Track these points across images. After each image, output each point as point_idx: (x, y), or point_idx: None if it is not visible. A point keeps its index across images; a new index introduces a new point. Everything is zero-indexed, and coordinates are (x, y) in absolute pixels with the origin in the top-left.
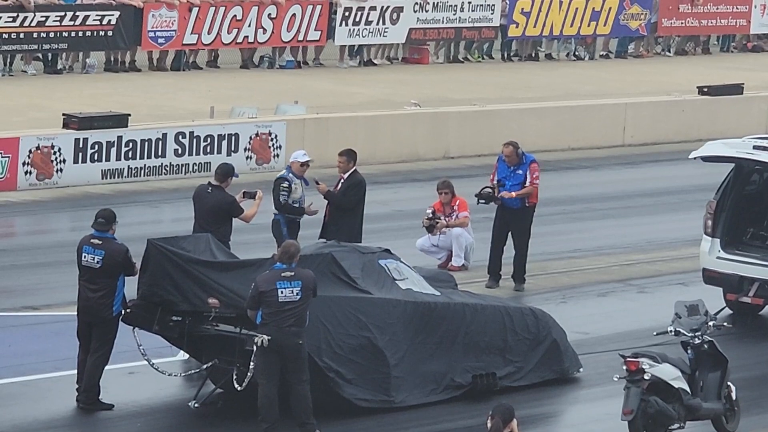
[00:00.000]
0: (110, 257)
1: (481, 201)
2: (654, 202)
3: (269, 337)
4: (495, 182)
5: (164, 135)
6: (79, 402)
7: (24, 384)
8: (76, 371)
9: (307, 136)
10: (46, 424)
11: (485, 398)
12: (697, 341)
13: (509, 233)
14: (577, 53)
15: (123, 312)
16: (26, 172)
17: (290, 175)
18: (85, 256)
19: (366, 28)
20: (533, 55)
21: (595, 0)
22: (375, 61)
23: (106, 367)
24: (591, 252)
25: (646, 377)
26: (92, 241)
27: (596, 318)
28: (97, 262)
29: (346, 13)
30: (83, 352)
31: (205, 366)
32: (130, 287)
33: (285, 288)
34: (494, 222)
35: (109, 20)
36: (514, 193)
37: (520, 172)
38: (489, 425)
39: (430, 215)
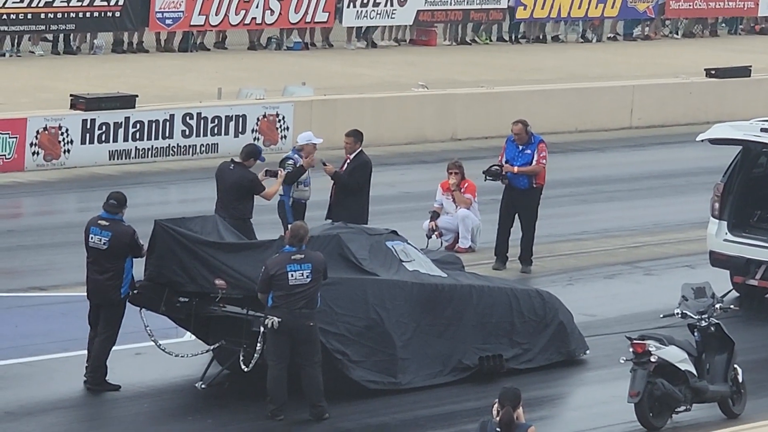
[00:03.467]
0: (117, 239)
1: (489, 178)
2: (661, 185)
3: (279, 319)
4: (503, 162)
5: (172, 116)
6: (86, 382)
7: (31, 365)
8: (85, 351)
9: (314, 117)
10: (53, 404)
11: (492, 380)
12: (703, 324)
13: (516, 215)
14: (585, 35)
15: (130, 293)
16: (34, 153)
17: (296, 155)
18: (92, 238)
19: (374, 10)
20: (541, 37)
21: None
22: (376, 42)
23: (114, 348)
24: (598, 234)
25: (652, 359)
26: (99, 222)
27: (603, 300)
28: (104, 244)
29: None
30: (93, 331)
31: (211, 347)
32: (138, 269)
33: (295, 271)
34: (501, 203)
35: (117, 1)
36: (516, 168)
37: (529, 152)
38: (498, 413)
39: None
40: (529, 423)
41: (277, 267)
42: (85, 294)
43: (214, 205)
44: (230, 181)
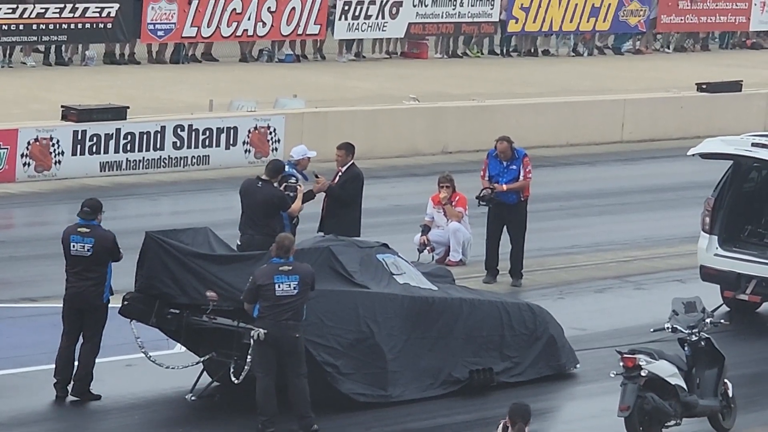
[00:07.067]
0: (100, 244)
1: (482, 203)
2: (652, 199)
3: (265, 331)
4: (487, 179)
5: (163, 128)
6: (71, 392)
7: (22, 375)
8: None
9: (305, 129)
10: (43, 415)
11: (482, 393)
12: (694, 338)
13: (504, 228)
14: (576, 49)
15: (110, 299)
16: (25, 164)
17: (293, 170)
18: (73, 246)
19: (365, 22)
20: (532, 50)
21: None
22: (365, 55)
23: (104, 360)
24: (589, 248)
25: (642, 374)
26: (79, 230)
27: (593, 314)
28: (88, 251)
29: (346, 7)
30: (67, 339)
31: (202, 359)
32: (129, 280)
33: (282, 282)
34: (488, 217)
35: (109, 12)
36: (505, 186)
37: (514, 167)
38: (504, 429)
39: (429, 220)
40: None
41: (264, 278)
42: (63, 302)
43: (208, 217)
44: (259, 199)
